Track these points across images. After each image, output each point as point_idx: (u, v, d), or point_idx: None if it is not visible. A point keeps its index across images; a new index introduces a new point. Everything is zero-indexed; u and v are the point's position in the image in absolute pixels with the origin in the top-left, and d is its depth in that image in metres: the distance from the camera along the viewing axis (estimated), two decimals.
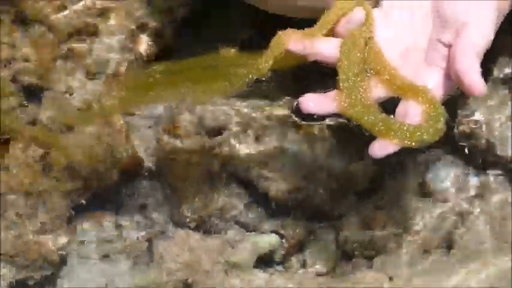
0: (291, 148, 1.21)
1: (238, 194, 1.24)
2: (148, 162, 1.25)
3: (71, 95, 1.24)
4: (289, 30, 0.98)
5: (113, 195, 1.25)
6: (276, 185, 1.21)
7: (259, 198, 1.23)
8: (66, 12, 1.25)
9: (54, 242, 1.17)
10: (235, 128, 1.21)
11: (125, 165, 1.22)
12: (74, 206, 1.21)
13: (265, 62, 0.97)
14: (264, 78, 0.99)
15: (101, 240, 1.23)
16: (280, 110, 1.22)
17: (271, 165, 1.20)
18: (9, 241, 1.15)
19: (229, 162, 1.21)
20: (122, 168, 1.22)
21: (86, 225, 1.23)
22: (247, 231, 1.24)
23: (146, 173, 1.25)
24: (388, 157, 0.92)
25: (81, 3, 1.26)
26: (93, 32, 1.26)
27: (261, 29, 1.23)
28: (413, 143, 0.91)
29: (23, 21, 1.25)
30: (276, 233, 1.23)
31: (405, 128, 0.91)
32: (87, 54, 1.26)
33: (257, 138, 1.21)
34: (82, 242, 1.22)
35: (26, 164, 1.17)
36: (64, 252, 1.19)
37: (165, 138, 1.23)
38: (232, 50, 1.06)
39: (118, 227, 1.24)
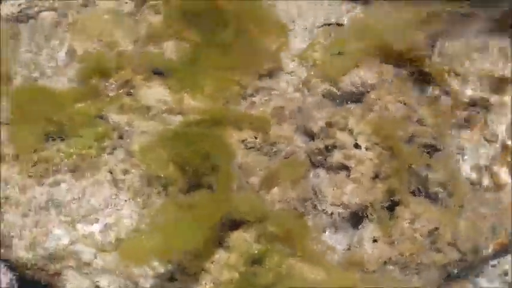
0: None
1: None
2: None
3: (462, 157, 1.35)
4: None
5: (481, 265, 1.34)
6: None
7: None
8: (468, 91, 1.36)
9: None
10: None
11: (501, 242, 1.32)
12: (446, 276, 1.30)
13: None
14: None
15: None
16: None
17: None
18: None
19: None
20: (498, 243, 1.31)
21: None
22: None
23: None
24: None
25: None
26: (486, 106, 1.36)
27: None
28: None
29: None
30: None
31: None
32: (481, 124, 1.35)
33: None
34: None
35: (411, 237, 1.27)
36: None
37: None
38: None
39: None
